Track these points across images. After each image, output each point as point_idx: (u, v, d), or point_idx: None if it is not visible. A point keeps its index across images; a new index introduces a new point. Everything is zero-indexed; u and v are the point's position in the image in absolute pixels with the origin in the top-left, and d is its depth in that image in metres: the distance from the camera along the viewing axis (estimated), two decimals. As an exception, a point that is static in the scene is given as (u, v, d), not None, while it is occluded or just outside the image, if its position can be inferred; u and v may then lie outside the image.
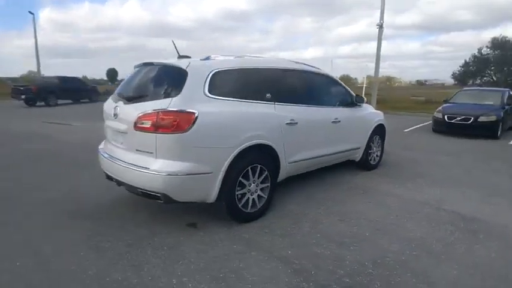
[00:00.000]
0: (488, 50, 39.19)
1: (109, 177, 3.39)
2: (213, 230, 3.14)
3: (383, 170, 5.45)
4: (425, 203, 3.94)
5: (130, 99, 3.22)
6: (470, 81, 40.29)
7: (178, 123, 2.77)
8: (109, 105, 3.47)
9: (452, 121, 8.95)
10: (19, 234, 3.03)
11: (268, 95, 3.49)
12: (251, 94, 3.35)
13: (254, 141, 3.21)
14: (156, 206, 3.65)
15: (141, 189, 2.93)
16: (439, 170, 5.59)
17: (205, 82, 3.03)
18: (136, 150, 3.00)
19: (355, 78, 57.92)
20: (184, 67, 3.03)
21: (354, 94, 4.98)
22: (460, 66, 41.33)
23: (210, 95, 3.02)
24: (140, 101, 3.07)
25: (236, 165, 3.08)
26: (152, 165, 2.84)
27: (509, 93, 9.99)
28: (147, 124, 2.85)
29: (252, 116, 3.27)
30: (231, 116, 3.12)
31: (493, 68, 39.61)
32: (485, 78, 40.32)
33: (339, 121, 4.43)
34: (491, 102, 9.29)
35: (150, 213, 3.49)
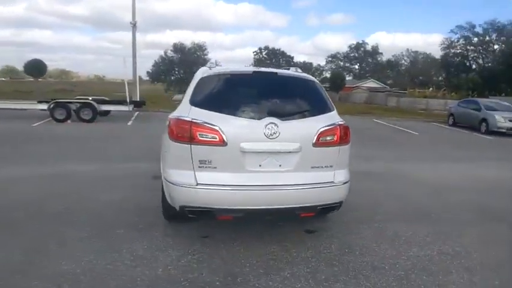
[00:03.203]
0: (172, 53, 47.88)
1: (247, 213, 2.75)
2: (330, 228, 3.49)
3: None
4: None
5: (288, 115, 2.78)
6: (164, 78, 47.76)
7: (349, 134, 2.99)
8: (246, 124, 2.70)
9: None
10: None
11: None
12: None
13: None
14: (238, 228, 3.27)
15: (322, 205, 2.85)
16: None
17: None
18: (312, 167, 2.80)
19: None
20: (314, 79, 3.15)
21: None
22: (152, 66, 47.81)
23: None
24: (307, 117, 2.86)
25: None
26: (335, 178, 2.88)
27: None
28: (332, 138, 2.81)
29: None
30: None
31: (177, 68, 49.03)
32: (173, 77, 49.12)
33: None
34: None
35: (254, 236, 3.14)
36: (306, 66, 68.07)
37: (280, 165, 2.76)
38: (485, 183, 5.56)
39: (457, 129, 13.66)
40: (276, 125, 2.69)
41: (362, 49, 52.34)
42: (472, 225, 3.74)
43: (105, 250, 2.83)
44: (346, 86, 40.80)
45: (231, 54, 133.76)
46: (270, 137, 2.67)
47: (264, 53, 65.55)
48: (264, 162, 2.72)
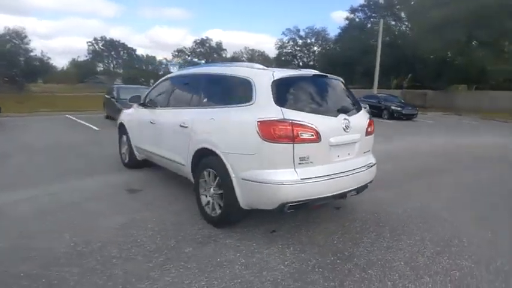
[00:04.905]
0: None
1: (333, 198, 3.19)
2: (345, 202, 4.24)
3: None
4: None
5: (348, 111, 3.36)
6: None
7: None
8: (330, 121, 3.12)
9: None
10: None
11: None
12: None
13: None
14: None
15: (369, 182, 3.60)
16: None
17: None
18: (364, 152, 3.50)
19: None
20: (343, 81, 3.76)
21: None
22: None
23: None
24: (357, 112, 3.49)
25: None
26: (372, 160, 3.70)
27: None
28: (370, 128, 3.59)
29: None
30: None
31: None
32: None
33: None
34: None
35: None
36: (149, 60, 65.34)
37: (348, 154, 3.32)
38: (410, 151, 7.60)
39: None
40: (348, 120, 3.24)
41: (207, 45, 54.83)
42: (421, 179, 5.27)
43: (207, 270, 2.67)
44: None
45: (50, 43, 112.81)
46: (346, 130, 3.20)
47: (100, 44, 58.75)
48: (341, 153, 3.23)
